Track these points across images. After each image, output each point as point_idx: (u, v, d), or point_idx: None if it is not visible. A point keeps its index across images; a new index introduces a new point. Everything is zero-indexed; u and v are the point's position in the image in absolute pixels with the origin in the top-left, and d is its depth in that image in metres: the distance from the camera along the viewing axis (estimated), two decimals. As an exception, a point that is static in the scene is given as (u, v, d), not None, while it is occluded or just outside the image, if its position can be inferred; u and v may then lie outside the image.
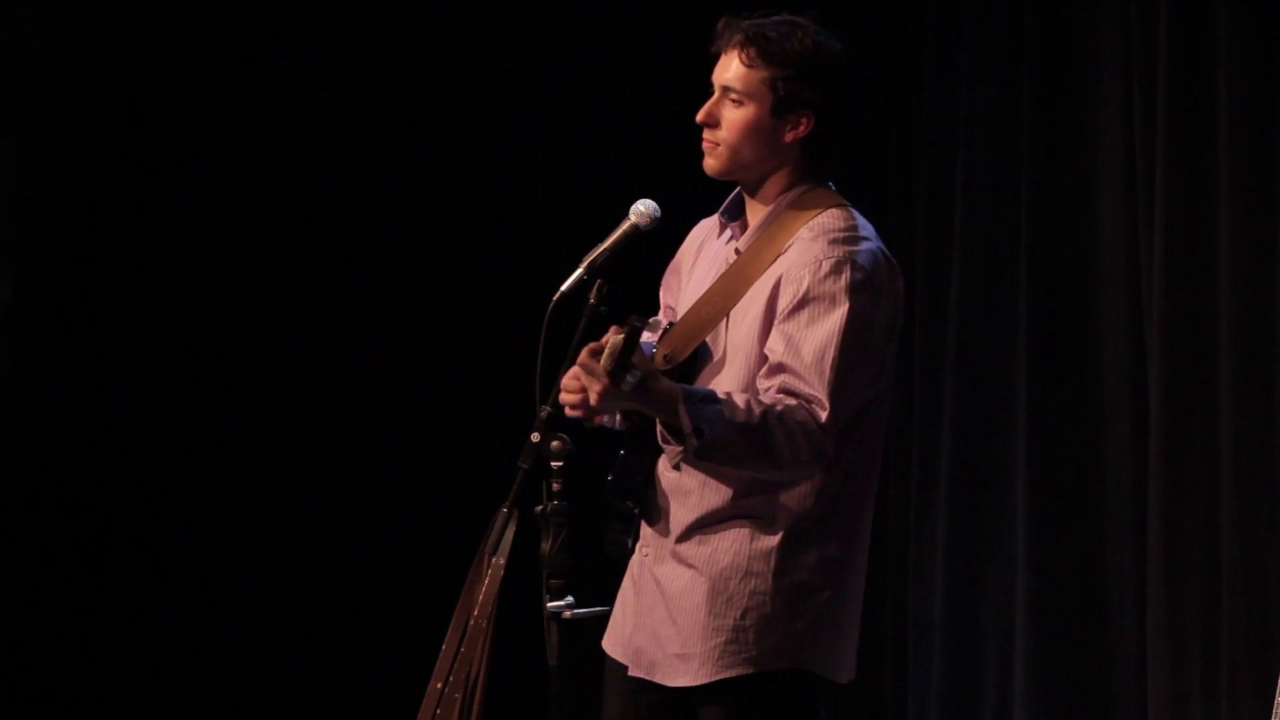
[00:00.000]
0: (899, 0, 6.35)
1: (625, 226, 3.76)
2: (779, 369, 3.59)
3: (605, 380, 3.46)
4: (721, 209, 3.84)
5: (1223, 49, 5.36)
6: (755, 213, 3.77)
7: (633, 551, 3.79)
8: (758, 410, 3.52)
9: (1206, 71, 5.41)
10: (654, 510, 3.72)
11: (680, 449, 3.54)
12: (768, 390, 3.59)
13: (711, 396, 3.53)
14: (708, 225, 3.94)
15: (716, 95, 3.69)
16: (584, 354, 3.54)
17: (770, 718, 3.69)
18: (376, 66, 6.50)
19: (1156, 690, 5.43)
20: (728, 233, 3.82)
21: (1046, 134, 5.85)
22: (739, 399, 3.54)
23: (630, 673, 3.74)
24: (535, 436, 3.80)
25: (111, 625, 6.28)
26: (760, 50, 3.64)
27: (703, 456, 3.54)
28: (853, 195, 6.34)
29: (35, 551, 6.20)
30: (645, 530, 3.75)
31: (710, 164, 3.74)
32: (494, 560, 3.84)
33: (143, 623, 6.31)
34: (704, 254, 3.86)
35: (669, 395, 3.52)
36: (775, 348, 3.60)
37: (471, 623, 3.83)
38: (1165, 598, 5.40)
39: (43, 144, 6.22)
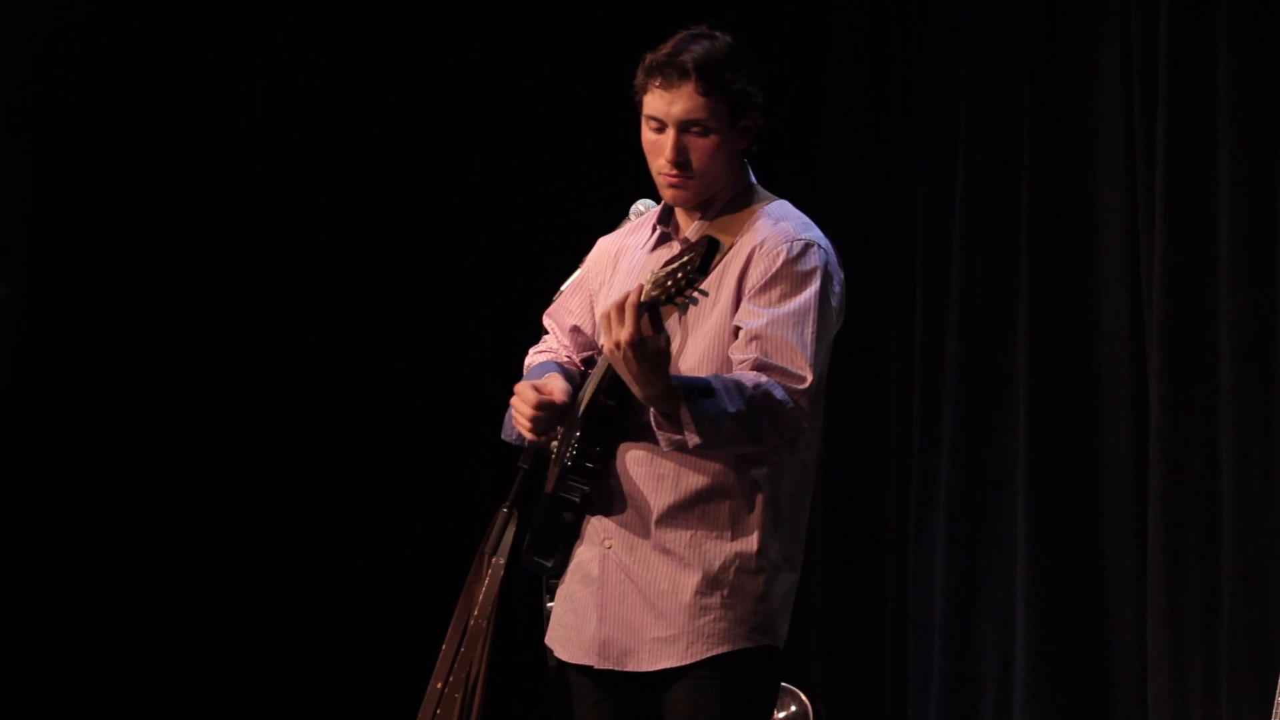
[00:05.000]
0: (899, 1, 6.35)
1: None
2: (754, 339, 3.63)
3: (637, 307, 3.47)
4: (657, 218, 3.85)
5: (1223, 49, 5.36)
6: (692, 214, 3.80)
7: (555, 569, 3.79)
8: (744, 395, 3.56)
9: (1206, 71, 5.41)
10: (615, 499, 3.72)
11: (678, 437, 3.56)
12: (743, 363, 3.63)
13: (707, 388, 3.56)
14: (615, 238, 3.98)
15: (673, 132, 3.70)
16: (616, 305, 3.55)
17: (748, 691, 3.72)
18: (376, 68, 6.50)
19: (1156, 690, 5.43)
20: (654, 236, 3.84)
21: (1046, 134, 5.85)
22: (728, 385, 3.57)
23: (598, 666, 3.74)
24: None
25: (111, 625, 6.28)
26: (710, 75, 3.67)
27: (700, 449, 3.58)
28: (853, 195, 6.42)
29: (35, 551, 6.20)
30: (602, 523, 3.73)
31: (683, 196, 3.76)
32: (494, 560, 3.85)
33: (143, 622, 6.31)
34: (624, 260, 3.89)
35: (671, 381, 3.55)
36: (750, 321, 3.64)
37: (471, 623, 3.84)
38: (1165, 598, 5.40)
39: (43, 145, 6.22)
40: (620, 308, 3.51)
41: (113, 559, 6.29)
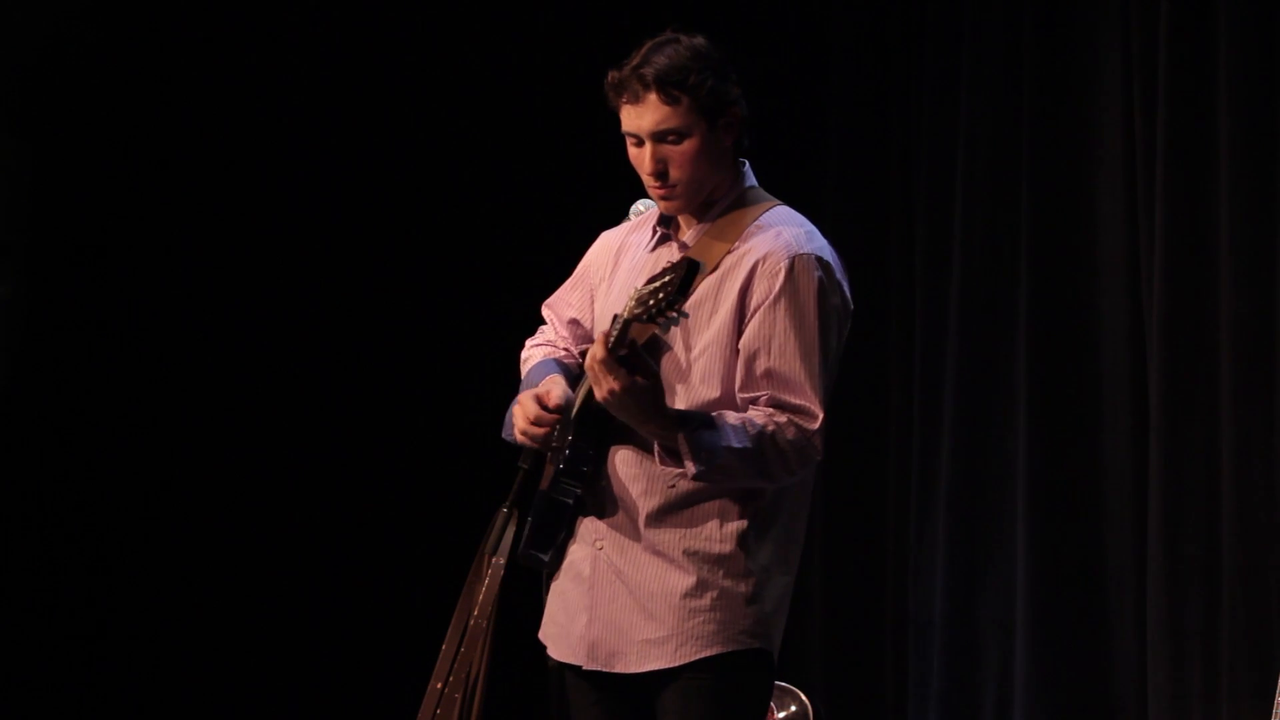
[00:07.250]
0: (899, 1, 6.35)
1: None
2: (766, 377, 3.64)
3: (609, 349, 3.48)
4: (657, 219, 3.84)
5: (1223, 49, 5.36)
6: (692, 216, 3.79)
7: (551, 565, 3.80)
8: (752, 432, 3.59)
9: (1206, 71, 5.41)
10: (607, 500, 3.73)
11: (679, 470, 3.59)
12: (756, 401, 3.64)
13: (709, 421, 3.59)
14: (618, 233, 3.98)
15: (649, 144, 3.69)
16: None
17: (738, 694, 3.72)
18: (375, 68, 6.50)
19: (1156, 690, 5.43)
20: (655, 237, 3.83)
21: (1046, 134, 5.85)
22: (734, 422, 3.59)
23: (586, 666, 3.74)
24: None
25: (111, 625, 6.28)
26: (672, 82, 3.65)
27: (700, 479, 3.60)
28: (853, 195, 6.42)
29: (35, 551, 6.20)
30: (594, 524, 3.74)
31: (675, 205, 3.75)
32: (494, 560, 3.85)
33: (142, 622, 6.31)
34: (625, 258, 3.89)
35: (669, 415, 3.58)
36: (757, 352, 3.65)
37: (471, 623, 3.84)
38: (1165, 598, 5.40)
39: (43, 144, 6.22)
40: (601, 363, 3.53)
41: (113, 559, 6.29)
